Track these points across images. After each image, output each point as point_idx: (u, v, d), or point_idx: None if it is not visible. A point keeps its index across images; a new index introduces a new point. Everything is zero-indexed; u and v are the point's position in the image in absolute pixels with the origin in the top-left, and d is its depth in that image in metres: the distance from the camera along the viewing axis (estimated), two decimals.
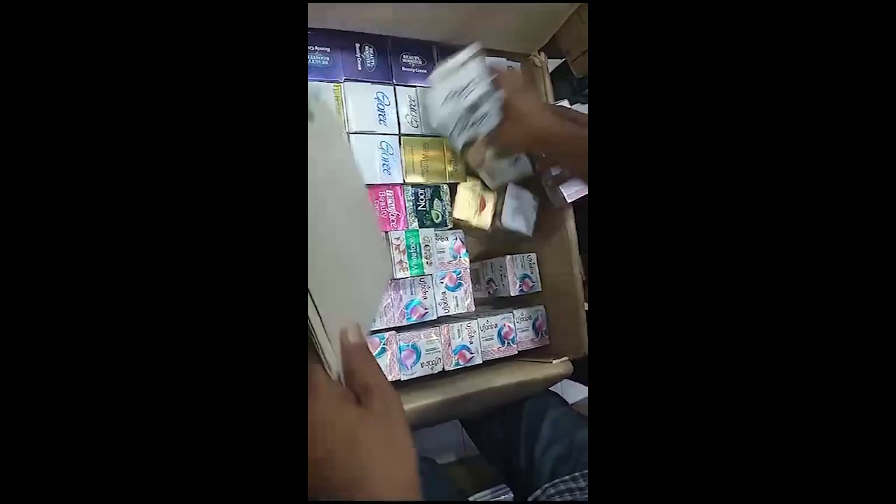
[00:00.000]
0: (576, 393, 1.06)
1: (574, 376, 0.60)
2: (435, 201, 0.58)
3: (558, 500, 0.49)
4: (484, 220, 0.61)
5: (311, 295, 0.30)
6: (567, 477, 0.51)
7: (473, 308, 0.61)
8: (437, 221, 0.58)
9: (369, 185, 0.53)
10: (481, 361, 0.59)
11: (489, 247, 0.71)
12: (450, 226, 0.59)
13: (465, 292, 0.60)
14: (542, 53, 0.64)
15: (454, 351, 0.58)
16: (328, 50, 0.53)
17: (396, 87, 0.56)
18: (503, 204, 0.62)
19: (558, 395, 0.64)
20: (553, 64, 0.69)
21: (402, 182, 0.55)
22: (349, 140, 0.52)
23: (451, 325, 0.58)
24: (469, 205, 0.60)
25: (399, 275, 0.53)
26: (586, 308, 0.60)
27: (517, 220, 0.63)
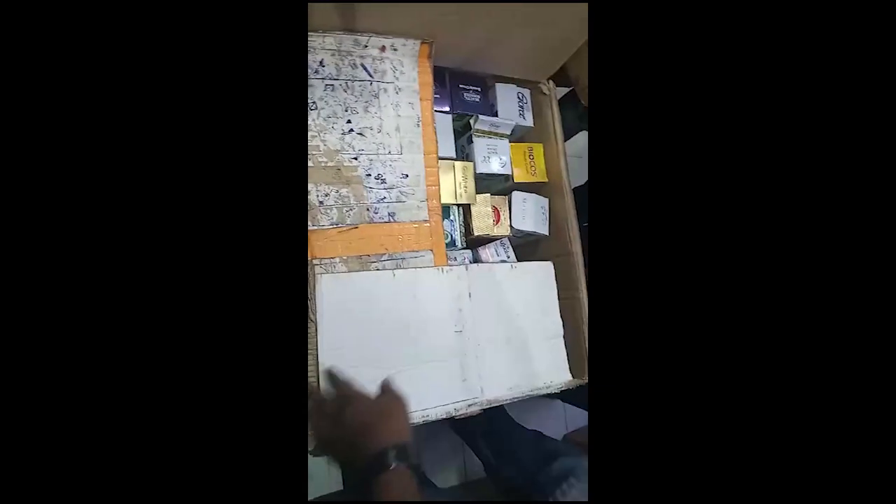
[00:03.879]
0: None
1: (573, 401, 0.59)
2: (445, 222, 0.58)
3: None
4: (503, 228, 0.63)
5: None
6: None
7: None
8: (447, 241, 0.58)
9: None
10: None
11: None
12: (460, 246, 0.60)
13: None
14: (551, 81, 0.66)
15: None
16: None
17: None
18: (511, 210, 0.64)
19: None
20: (560, 92, 0.71)
21: None
22: None
23: None
24: (485, 218, 0.62)
25: None
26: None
27: (527, 221, 0.64)
